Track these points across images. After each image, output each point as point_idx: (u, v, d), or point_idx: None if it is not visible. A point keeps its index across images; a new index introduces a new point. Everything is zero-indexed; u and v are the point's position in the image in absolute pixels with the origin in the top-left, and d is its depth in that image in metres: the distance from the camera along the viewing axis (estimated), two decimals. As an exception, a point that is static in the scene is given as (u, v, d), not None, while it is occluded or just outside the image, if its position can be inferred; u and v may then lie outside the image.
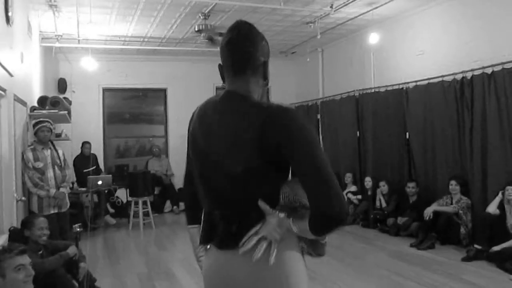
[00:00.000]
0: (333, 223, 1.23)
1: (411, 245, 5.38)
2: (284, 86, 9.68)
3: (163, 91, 9.30)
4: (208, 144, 1.40)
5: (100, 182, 7.05)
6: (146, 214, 7.03)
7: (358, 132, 7.38)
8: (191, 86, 9.15)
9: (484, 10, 5.35)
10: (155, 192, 8.22)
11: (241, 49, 1.39)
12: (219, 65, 1.46)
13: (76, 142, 7.75)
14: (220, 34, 6.56)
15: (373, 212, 6.53)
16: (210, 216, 1.45)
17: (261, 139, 1.28)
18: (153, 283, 4.36)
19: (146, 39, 7.67)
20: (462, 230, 5.19)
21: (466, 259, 4.73)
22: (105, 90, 8.92)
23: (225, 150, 1.35)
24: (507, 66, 4.90)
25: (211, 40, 6.65)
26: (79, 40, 7.23)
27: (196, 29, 6.54)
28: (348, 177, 7.37)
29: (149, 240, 6.37)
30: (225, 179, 1.36)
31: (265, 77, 1.45)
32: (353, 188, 7.25)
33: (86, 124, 8.34)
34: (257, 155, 1.29)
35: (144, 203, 7.01)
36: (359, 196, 7.02)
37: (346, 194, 7.08)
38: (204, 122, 1.43)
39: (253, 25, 1.44)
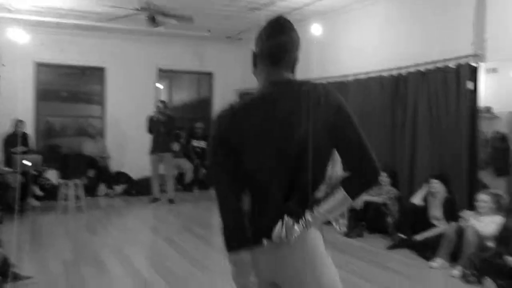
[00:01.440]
0: (376, 179, 1.48)
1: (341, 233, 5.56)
2: (229, 72, 9.60)
3: (102, 70, 8.90)
4: (279, 137, 1.44)
5: (27, 162, 6.66)
6: (78, 197, 6.74)
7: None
8: (132, 66, 8.84)
9: (421, 10, 5.55)
10: (90, 175, 7.91)
11: (282, 43, 1.50)
12: (253, 52, 1.57)
13: (4, 120, 7.26)
14: (164, 15, 6.33)
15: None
16: (272, 212, 1.44)
17: (326, 121, 1.43)
18: (79, 270, 4.19)
19: (85, 14, 7.27)
20: (389, 219, 5.42)
21: (391, 247, 4.95)
22: (39, 65, 8.38)
23: (301, 140, 1.42)
24: (439, 65, 5.13)
25: (152, 20, 6.39)
26: (10, 10, 6.72)
27: (139, 7, 6.28)
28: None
29: (78, 225, 6.12)
30: (297, 167, 1.43)
31: (294, 70, 1.57)
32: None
33: (16, 100, 7.80)
34: (326, 138, 1.44)
35: (76, 185, 6.71)
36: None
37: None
38: (267, 116, 1.46)
39: (290, 21, 1.55)
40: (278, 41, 1.50)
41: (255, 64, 1.58)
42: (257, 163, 1.47)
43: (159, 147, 7.39)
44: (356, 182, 1.45)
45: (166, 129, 7.36)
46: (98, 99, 9.04)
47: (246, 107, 1.52)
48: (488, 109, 4.91)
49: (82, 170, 6.99)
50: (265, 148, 1.45)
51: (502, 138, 4.72)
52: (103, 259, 4.52)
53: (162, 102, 7.72)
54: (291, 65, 1.54)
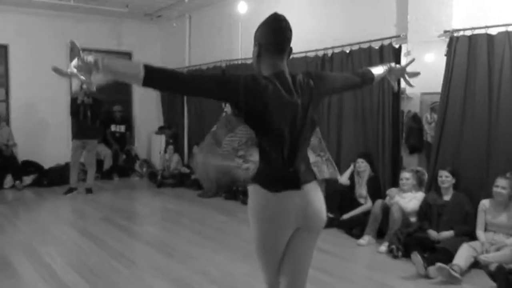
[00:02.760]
0: None
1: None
2: (149, 51, 9.09)
3: (5, 47, 7.95)
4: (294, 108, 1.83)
5: None
6: (-21, 191, 6.00)
7: (224, 104, 7.26)
8: (40, 44, 8.02)
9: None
10: (-7, 166, 7.11)
11: (286, 37, 1.88)
12: (259, 44, 1.88)
13: None
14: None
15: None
16: (283, 170, 1.85)
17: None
18: (-20, 274, 3.68)
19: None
20: (318, 200, 5.46)
21: (320, 227, 4.99)
22: None
23: (304, 115, 1.87)
24: (363, 46, 5.19)
25: None
26: None
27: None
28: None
29: (-19, 222, 5.43)
30: (299, 135, 1.89)
31: (288, 58, 1.93)
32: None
33: None
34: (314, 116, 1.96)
35: (-24, 178, 5.96)
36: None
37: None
38: (282, 90, 1.82)
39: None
40: (285, 35, 1.87)
41: (259, 55, 1.89)
42: (273, 127, 1.80)
43: (84, 132, 6.81)
44: None
45: (92, 113, 6.77)
46: (1, 81, 8.11)
47: (265, 79, 1.81)
48: (403, 91, 5.07)
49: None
50: (283, 115, 1.80)
51: (414, 117, 4.92)
52: (10, 260, 4.00)
53: None
54: (289, 53, 1.92)
